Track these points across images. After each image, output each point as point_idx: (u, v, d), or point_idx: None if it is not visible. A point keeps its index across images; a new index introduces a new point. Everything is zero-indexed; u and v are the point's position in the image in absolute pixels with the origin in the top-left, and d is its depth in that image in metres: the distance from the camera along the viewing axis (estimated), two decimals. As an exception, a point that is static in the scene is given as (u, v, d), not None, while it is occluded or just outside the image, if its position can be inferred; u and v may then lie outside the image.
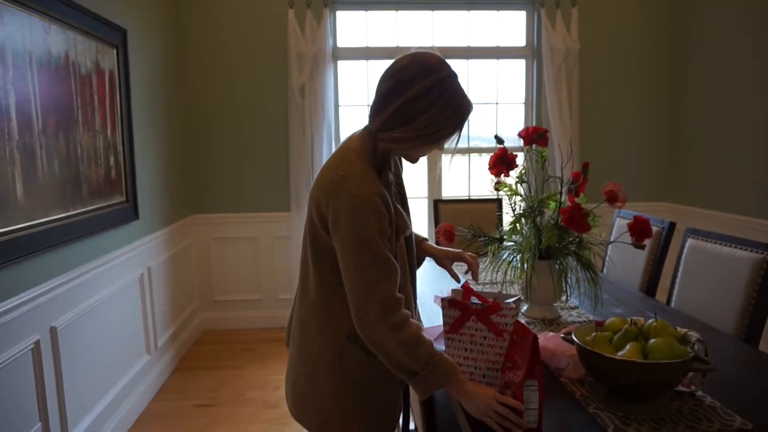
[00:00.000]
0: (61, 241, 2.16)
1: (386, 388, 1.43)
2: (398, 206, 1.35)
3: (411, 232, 1.48)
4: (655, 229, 2.40)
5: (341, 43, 4.03)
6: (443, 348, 1.49)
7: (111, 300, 2.61)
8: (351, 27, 4.08)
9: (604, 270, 2.67)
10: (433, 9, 4.07)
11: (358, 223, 1.22)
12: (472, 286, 1.40)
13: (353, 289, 1.24)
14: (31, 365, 1.96)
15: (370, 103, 1.36)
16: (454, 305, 1.35)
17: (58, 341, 2.11)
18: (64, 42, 2.22)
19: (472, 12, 4.10)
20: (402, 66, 1.28)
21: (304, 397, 1.44)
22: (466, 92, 1.30)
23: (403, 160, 1.55)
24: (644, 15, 4.06)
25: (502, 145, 1.87)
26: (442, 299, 1.38)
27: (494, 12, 4.12)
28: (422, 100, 1.23)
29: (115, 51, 2.70)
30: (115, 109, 2.71)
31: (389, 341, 1.23)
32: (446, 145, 1.36)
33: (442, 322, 1.57)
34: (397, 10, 4.06)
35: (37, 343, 1.99)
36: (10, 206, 1.85)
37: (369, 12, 4.06)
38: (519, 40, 4.15)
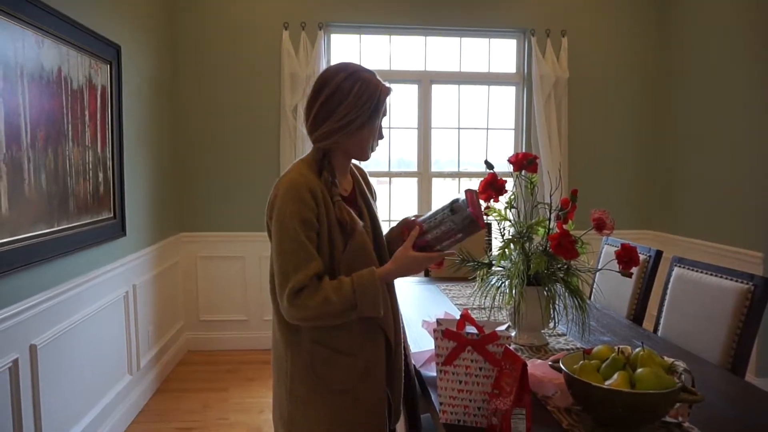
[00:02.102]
0: (46, 257, 2.12)
1: (368, 405, 1.45)
2: (344, 204, 1.42)
3: (377, 230, 1.53)
4: (642, 257, 2.42)
5: (335, 65, 4.06)
6: (433, 374, 1.47)
7: (94, 318, 2.56)
8: (345, 50, 4.13)
9: (592, 297, 2.67)
10: (425, 35, 4.13)
11: (284, 212, 1.34)
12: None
13: (276, 273, 1.35)
14: (7, 385, 1.90)
15: None
16: (448, 336, 1.33)
17: (37, 360, 2.05)
18: (57, 56, 2.22)
19: (464, 39, 4.17)
20: (321, 73, 1.45)
21: (291, 421, 1.45)
22: (380, 80, 1.43)
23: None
24: (632, 46, 4.15)
25: (491, 171, 1.88)
26: (435, 330, 1.35)
27: (486, 39, 4.19)
28: (337, 95, 1.38)
29: (108, 67, 2.71)
30: (106, 125, 2.70)
31: (309, 311, 1.32)
32: (382, 125, 1.48)
33: (429, 347, 1.55)
34: (390, 34, 4.12)
35: (16, 361, 1.94)
36: (-6, 220, 1.82)
37: (363, 36, 4.11)
38: (510, 67, 4.22)
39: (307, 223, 1.34)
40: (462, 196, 1.41)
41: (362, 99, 1.38)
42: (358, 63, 1.46)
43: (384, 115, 1.47)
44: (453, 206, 1.41)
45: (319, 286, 1.33)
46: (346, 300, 1.33)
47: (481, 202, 1.87)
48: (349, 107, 1.37)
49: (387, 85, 1.45)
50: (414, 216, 1.54)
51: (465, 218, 1.39)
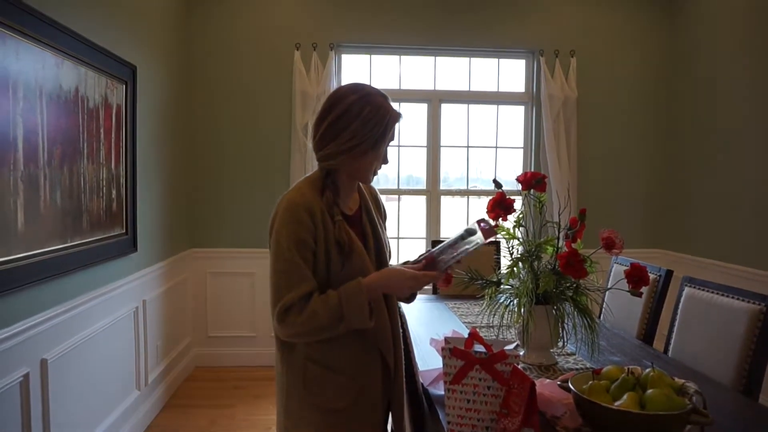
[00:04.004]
0: (59, 272, 2.15)
1: (361, 428, 1.45)
2: (344, 224, 1.41)
3: (381, 251, 1.53)
4: (652, 276, 2.41)
5: (345, 84, 4.11)
6: (441, 392, 1.47)
7: (104, 333, 2.58)
8: (355, 69, 4.19)
9: (601, 316, 2.66)
10: (435, 55, 4.18)
11: (281, 231, 1.36)
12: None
13: (270, 292, 1.38)
14: (18, 399, 1.92)
15: None
16: (456, 354, 1.33)
17: (47, 374, 2.07)
18: (75, 77, 2.28)
19: (474, 59, 4.22)
20: (333, 91, 1.45)
21: None
22: (391, 106, 1.42)
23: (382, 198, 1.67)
24: (641, 65, 4.17)
25: (500, 190, 1.89)
26: (443, 348, 1.35)
27: (495, 59, 4.23)
28: (345, 117, 1.38)
29: (124, 86, 2.76)
30: (120, 143, 2.75)
31: (298, 328, 1.34)
32: (387, 150, 1.49)
33: (437, 365, 1.55)
34: (400, 55, 4.17)
35: (26, 376, 1.95)
36: (10, 236, 1.85)
37: (373, 56, 4.17)
38: (519, 86, 4.25)
39: (302, 244, 1.35)
40: (474, 225, 1.44)
41: (370, 124, 1.37)
42: (372, 85, 1.45)
43: (391, 140, 1.46)
44: (467, 229, 1.45)
45: (307, 303, 1.34)
46: (333, 311, 1.33)
47: (490, 220, 1.88)
48: (356, 131, 1.37)
49: (397, 111, 1.44)
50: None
51: (472, 231, 1.42)
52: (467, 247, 1.43)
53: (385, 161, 1.49)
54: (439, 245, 1.49)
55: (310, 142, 3.87)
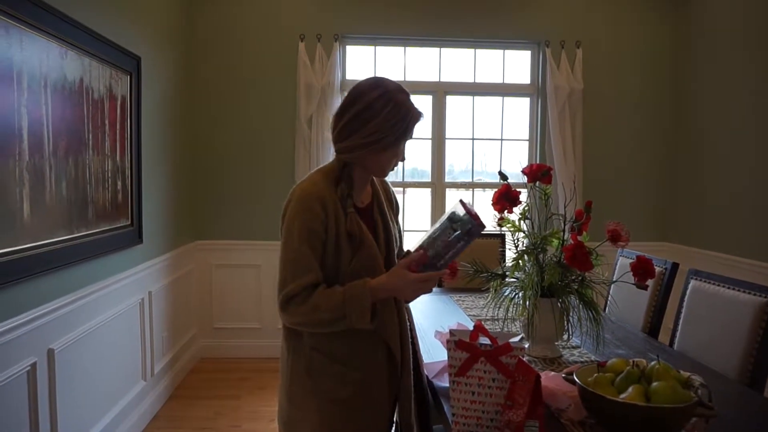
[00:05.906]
0: (64, 263, 2.16)
1: (364, 419, 1.45)
2: (356, 216, 1.41)
3: (391, 244, 1.52)
4: (657, 269, 2.39)
5: (350, 76, 4.10)
6: (446, 385, 1.47)
7: (110, 324, 2.60)
8: (360, 61, 4.17)
9: (606, 309, 2.65)
10: (440, 46, 4.16)
11: (292, 221, 1.37)
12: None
13: (278, 278, 1.38)
14: (25, 388, 1.93)
15: None
16: (461, 347, 1.33)
17: (54, 364, 2.09)
18: (80, 67, 2.28)
19: (479, 50, 4.19)
20: (356, 85, 1.44)
21: (289, 423, 1.48)
22: (413, 104, 1.42)
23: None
24: (647, 57, 4.14)
25: (505, 182, 1.88)
26: (448, 341, 1.35)
27: (500, 51, 4.20)
28: (368, 111, 1.37)
29: (128, 77, 2.76)
30: (126, 134, 2.75)
31: (299, 318, 1.36)
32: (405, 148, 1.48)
33: (442, 358, 1.55)
34: (405, 46, 4.15)
35: (34, 365, 1.97)
36: (16, 226, 1.86)
37: (378, 47, 4.15)
38: (524, 78, 4.22)
39: (312, 234, 1.36)
40: (457, 209, 1.40)
41: (391, 121, 1.37)
42: (394, 81, 1.43)
43: (410, 138, 1.45)
44: (451, 216, 1.40)
45: (311, 295, 1.35)
46: (335, 309, 1.34)
47: (495, 213, 1.88)
48: (377, 127, 1.36)
49: (419, 110, 1.43)
50: (416, 247, 1.48)
51: (465, 223, 1.37)
52: (463, 240, 1.37)
53: (402, 158, 1.49)
54: (423, 240, 1.43)
55: (316, 134, 3.89)
